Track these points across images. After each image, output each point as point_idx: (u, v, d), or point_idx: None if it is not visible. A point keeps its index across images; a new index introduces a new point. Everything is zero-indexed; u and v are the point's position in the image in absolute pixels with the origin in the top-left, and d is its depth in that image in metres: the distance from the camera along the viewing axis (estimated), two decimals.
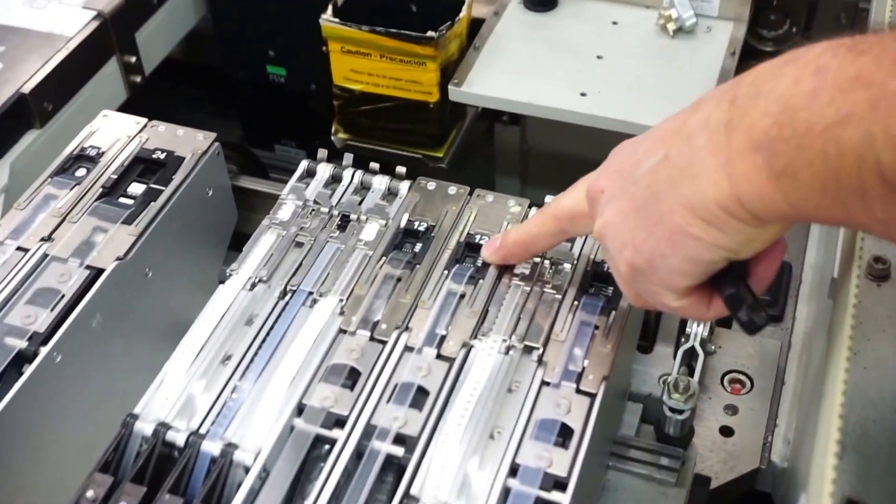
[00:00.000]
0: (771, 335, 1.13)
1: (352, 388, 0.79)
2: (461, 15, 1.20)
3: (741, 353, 1.10)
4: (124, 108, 1.26)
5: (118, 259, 0.89)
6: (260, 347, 0.82)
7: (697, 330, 1.05)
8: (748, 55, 1.28)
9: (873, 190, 0.52)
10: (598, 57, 1.23)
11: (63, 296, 0.86)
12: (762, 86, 0.58)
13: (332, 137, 1.28)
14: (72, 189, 0.96)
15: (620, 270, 0.71)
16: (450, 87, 1.19)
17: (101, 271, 0.89)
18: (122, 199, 0.96)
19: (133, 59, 1.26)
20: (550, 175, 1.41)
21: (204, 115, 1.52)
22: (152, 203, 0.95)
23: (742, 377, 1.08)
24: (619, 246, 0.69)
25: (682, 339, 1.05)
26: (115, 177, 0.97)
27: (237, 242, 1.00)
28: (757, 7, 1.31)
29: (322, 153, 0.99)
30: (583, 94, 1.17)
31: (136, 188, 0.97)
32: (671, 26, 1.25)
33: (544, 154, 1.39)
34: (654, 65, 1.22)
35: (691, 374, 1.03)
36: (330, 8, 1.20)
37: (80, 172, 0.98)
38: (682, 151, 0.63)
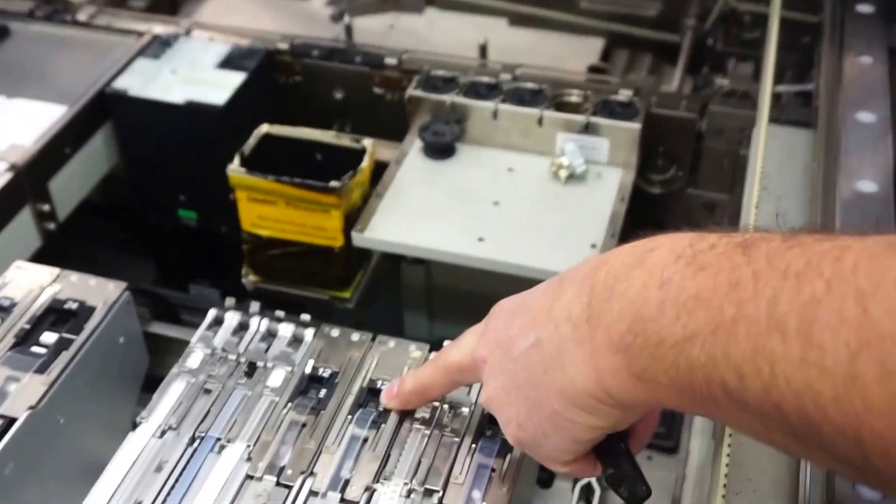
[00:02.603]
0: (667, 466, 1.17)
1: None
2: (363, 164, 1.25)
3: None
4: (39, 251, 1.29)
5: (30, 408, 0.91)
6: (169, 494, 0.84)
7: None
8: (638, 197, 1.35)
9: (724, 403, 0.54)
10: (495, 203, 1.28)
11: None
12: (615, 287, 0.61)
13: (243, 280, 1.31)
14: None
15: (510, 440, 0.76)
16: (353, 233, 1.23)
17: (13, 420, 0.90)
18: (34, 349, 0.98)
19: (46, 207, 1.30)
20: (457, 310, 1.45)
21: (119, 255, 1.55)
22: (64, 352, 0.97)
23: None
24: (505, 420, 0.74)
25: None
26: (28, 326, 0.99)
27: (151, 384, 1.02)
28: (645, 153, 1.38)
29: (230, 301, 1.03)
30: (480, 239, 1.22)
31: (49, 337, 0.99)
32: (563, 173, 1.31)
33: (449, 291, 1.43)
34: (548, 210, 1.27)
35: None
36: (237, 158, 1.25)
37: None
38: (550, 338, 0.66)
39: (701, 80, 1.63)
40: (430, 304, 1.47)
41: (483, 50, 1.62)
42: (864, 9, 1.29)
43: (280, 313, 1.02)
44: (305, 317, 1.01)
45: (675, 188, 1.43)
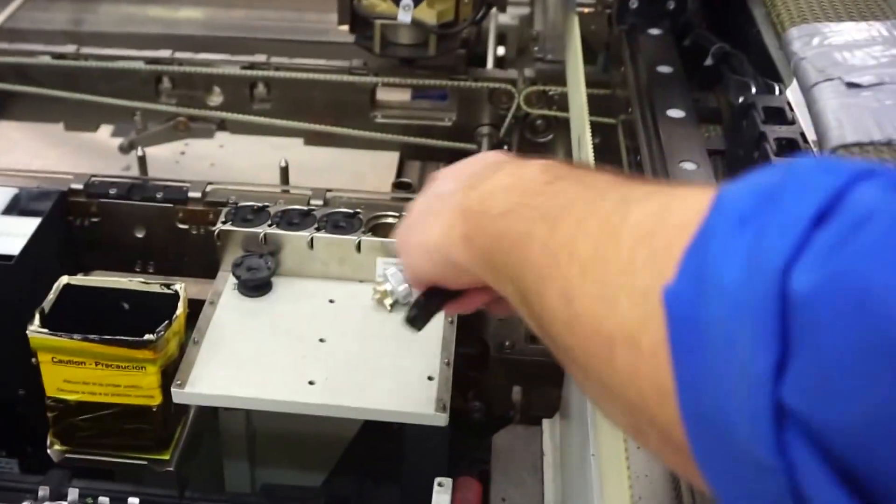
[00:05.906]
0: None
1: None
2: (178, 312, 1.15)
3: None
4: None
5: None
6: None
7: None
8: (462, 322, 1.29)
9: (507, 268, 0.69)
10: (321, 339, 1.20)
11: None
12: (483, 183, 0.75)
13: (49, 451, 1.18)
14: None
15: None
16: (172, 389, 1.12)
17: None
18: None
19: None
20: (279, 454, 1.36)
21: None
22: None
23: None
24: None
25: None
26: None
27: None
28: None
29: (43, 490, 0.92)
30: (311, 383, 1.14)
31: None
32: (388, 300, 1.24)
33: (272, 435, 1.34)
34: (377, 342, 1.20)
35: None
36: (37, 317, 1.13)
37: None
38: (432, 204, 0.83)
39: None
40: (250, 449, 1.37)
41: (285, 172, 1.56)
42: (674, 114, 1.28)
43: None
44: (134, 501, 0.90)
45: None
